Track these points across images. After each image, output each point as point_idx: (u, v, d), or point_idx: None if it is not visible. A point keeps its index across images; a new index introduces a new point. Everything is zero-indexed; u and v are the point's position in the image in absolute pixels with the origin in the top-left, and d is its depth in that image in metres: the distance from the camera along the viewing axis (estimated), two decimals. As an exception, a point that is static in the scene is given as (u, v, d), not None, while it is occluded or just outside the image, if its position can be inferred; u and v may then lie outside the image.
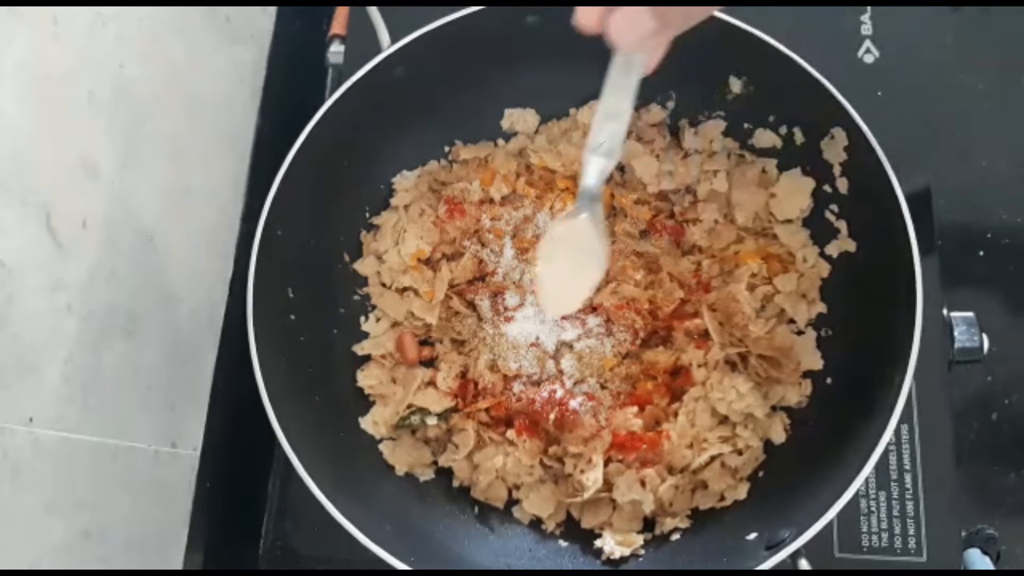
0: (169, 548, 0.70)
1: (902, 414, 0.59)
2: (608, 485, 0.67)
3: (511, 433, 0.70)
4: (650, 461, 0.68)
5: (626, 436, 0.68)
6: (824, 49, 0.72)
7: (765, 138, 0.75)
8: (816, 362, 0.70)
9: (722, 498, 0.67)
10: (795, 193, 0.73)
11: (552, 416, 0.69)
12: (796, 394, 0.69)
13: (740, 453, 0.68)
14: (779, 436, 0.69)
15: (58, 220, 0.57)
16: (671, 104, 0.78)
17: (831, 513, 0.57)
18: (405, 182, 0.78)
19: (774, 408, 0.70)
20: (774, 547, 0.59)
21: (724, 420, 0.69)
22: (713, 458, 0.68)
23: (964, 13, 0.84)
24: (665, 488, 0.67)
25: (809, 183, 0.73)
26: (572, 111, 0.79)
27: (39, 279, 0.56)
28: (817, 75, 0.68)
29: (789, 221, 0.73)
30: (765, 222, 0.74)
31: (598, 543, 0.67)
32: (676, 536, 0.67)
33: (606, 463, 0.68)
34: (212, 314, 0.76)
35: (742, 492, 0.67)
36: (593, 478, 0.66)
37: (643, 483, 0.67)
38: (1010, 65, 0.84)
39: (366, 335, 0.74)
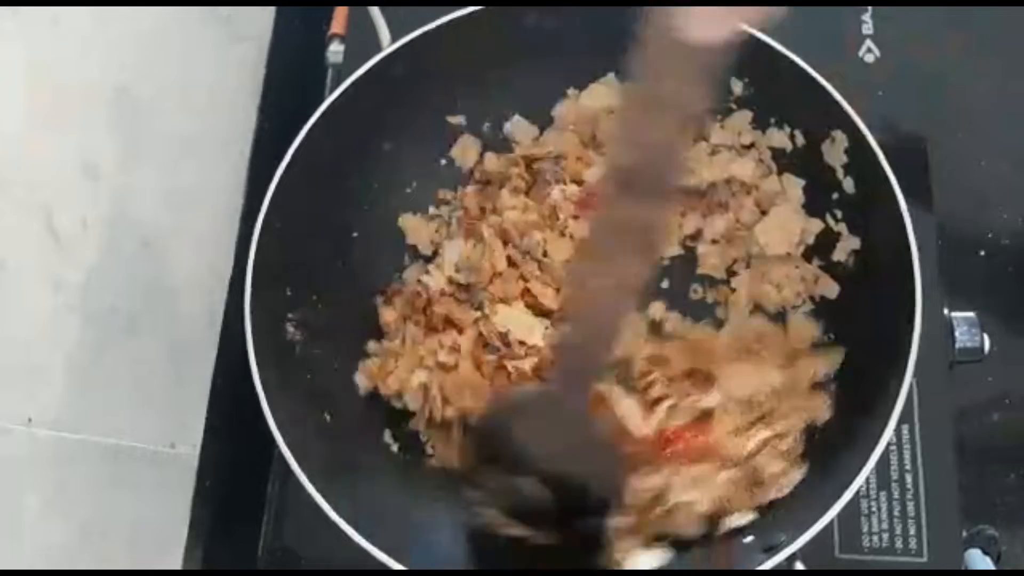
0: (169, 548, 0.70)
1: (902, 414, 0.59)
2: None
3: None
4: (702, 454, 0.64)
5: (672, 432, 0.65)
6: (824, 49, 0.72)
7: (767, 141, 0.75)
8: (816, 362, 0.69)
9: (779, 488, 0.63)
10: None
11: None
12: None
13: (782, 436, 0.65)
14: (823, 414, 0.65)
15: (59, 220, 0.57)
16: (671, 104, 0.77)
17: (831, 513, 0.57)
18: (405, 182, 0.78)
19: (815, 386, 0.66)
20: (772, 549, 0.59)
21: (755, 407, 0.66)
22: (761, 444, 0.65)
23: (964, 13, 0.84)
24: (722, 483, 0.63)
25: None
26: (572, 112, 0.79)
27: (39, 279, 0.56)
28: (817, 76, 0.67)
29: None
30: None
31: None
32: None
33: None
34: (212, 314, 0.76)
35: (797, 475, 0.63)
36: None
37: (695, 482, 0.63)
38: (1010, 65, 0.84)
39: (366, 335, 0.74)
